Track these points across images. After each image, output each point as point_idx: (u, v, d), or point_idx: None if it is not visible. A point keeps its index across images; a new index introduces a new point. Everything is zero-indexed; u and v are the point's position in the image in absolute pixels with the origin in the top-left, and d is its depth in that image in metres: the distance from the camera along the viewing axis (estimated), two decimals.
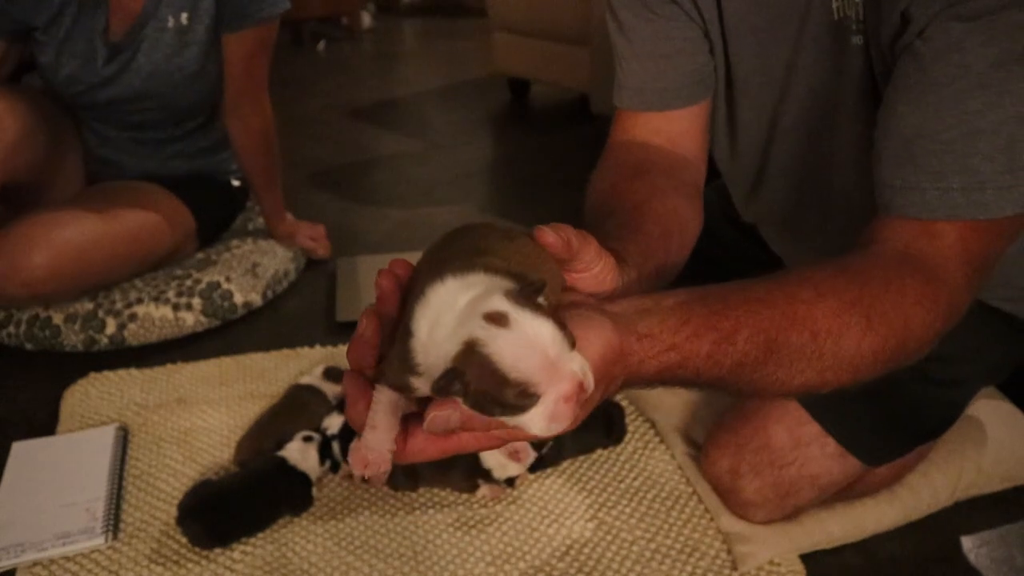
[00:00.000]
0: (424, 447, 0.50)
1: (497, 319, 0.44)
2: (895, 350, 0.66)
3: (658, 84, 0.92)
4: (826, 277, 0.66)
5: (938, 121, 0.68)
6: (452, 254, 0.50)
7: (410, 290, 0.50)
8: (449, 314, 0.45)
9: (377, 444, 0.49)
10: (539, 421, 0.45)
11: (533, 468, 1.09)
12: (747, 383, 0.61)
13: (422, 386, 0.47)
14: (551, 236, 0.53)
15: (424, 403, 0.48)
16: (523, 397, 0.44)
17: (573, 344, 0.46)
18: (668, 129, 0.93)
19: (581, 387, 0.45)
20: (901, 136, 0.71)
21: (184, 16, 1.55)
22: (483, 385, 0.44)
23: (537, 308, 0.46)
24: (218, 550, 1.03)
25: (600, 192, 0.85)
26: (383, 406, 0.49)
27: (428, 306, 0.46)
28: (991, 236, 0.69)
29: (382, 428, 0.49)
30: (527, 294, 0.47)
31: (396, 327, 0.49)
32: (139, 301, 1.54)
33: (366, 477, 0.49)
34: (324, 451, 1.13)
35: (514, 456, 1.09)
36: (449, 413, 0.46)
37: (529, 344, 0.44)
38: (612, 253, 0.61)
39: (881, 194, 0.73)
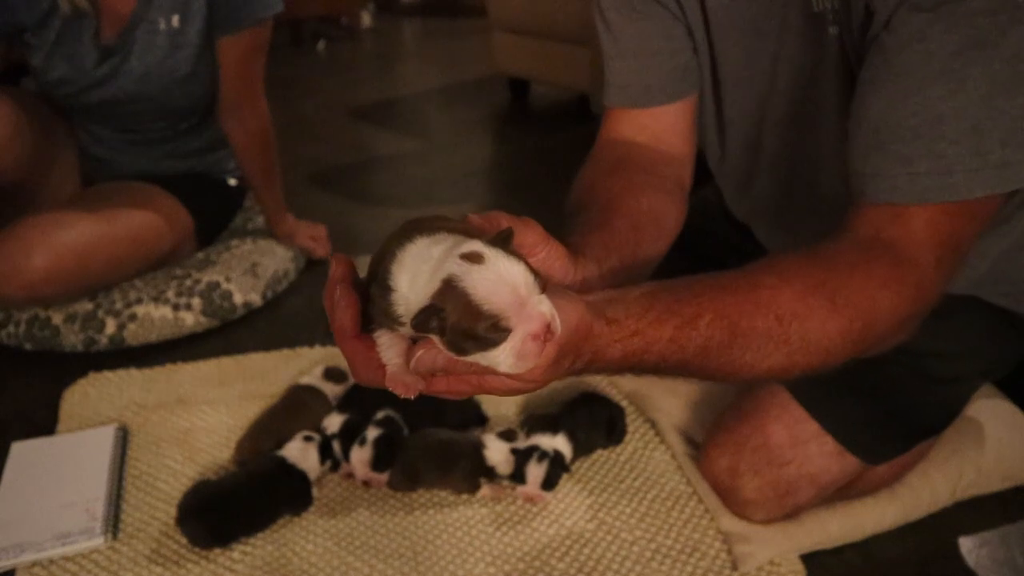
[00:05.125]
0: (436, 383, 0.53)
1: (473, 257, 0.48)
2: (862, 332, 0.67)
3: (643, 81, 0.94)
4: (792, 264, 0.68)
5: (904, 109, 0.69)
6: (404, 233, 0.53)
7: (377, 268, 0.53)
8: (426, 264, 0.49)
9: (405, 369, 0.52)
10: (508, 357, 0.48)
11: (550, 485, 1.09)
12: (715, 367, 0.64)
13: (408, 333, 0.52)
14: (478, 220, 0.56)
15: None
16: (494, 331, 0.47)
17: (544, 288, 0.49)
18: (653, 126, 0.95)
19: (548, 328, 0.48)
20: (870, 125, 0.73)
21: (175, 19, 1.55)
22: (458, 318, 0.47)
23: (510, 252, 0.49)
24: (218, 550, 1.03)
25: (579, 190, 0.88)
26: (389, 344, 0.53)
27: (403, 264, 0.50)
28: (961, 219, 0.70)
29: (403, 359, 0.52)
30: (499, 240, 0.50)
31: (366, 286, 0.54)
32: (139, 301, 1.54)
33: (412, 397, 0.52)
34: (325, 451, 1.13)
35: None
36: (435, 353, 0.50)
37: (501, 279, 0.47)
38: (571, 246, 0.64)
39: (854, 182, 0.75)
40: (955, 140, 0.68)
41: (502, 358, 0.48)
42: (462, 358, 0.49)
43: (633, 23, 0.93)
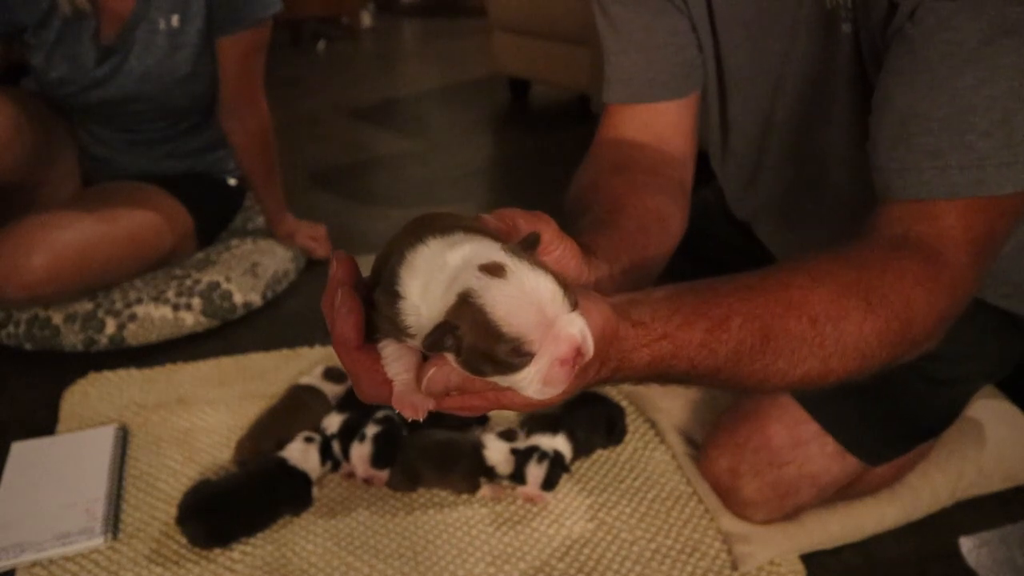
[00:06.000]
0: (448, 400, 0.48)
1: (493, 270, 0.42)
2: (899, 333, 0.64)
3: (646, 76, 0.92)
4: (821, 263, 0.65)
5: (932, 100, 0.67)
6: (415, 232, 0.47)
7: (382, 269, 0.48)
8: (441, 272, 0.43)
9: (414, 387, 0.47)
10: (533, 383, 0.43)
11: (550, 485, 1.09)
12: (747, 375, 0.60)
13: (418, 345, 0.46)
14: (492, 220, 0.51)
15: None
16: (516, 355, 0.42)
17: (575, 305, 0.44)
18: (655, 124, 0.92)
19: (579, 351, 0.43)
20: (895, 119, 0.70)
21: (175, 19, 1.55)
22: (475, 339, 0.42)
23: (536, 263, 0.44)
24: (218, 550, 1.03)
25: (580, 189, 0.85)
26: (396, 356, 0.47)
27: (414, 268, 0.44)
28: (993, 215, 0.68)
29: (411, 374, 0.47)
30: (524, 247, 0.45)
31: (369, 291, 0.48)
32: (139, 301, 1.54)
33: (420, 419, 0.47)
34: (325, 451, 1.13)
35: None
36: (449, 371, 0.45)
37: (525, 297, 0.42)
38: (582, 246, 0.60)
39: (878, 179, 0.72)
40: (986, 132, 0.65)
41: (525, 383, 0.43)
42: (479, 377, 0.44)
43: (637, 16, 0.91)
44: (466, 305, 0.42)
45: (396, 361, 0.47)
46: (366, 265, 0.52)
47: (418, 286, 0.44)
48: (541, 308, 0.42)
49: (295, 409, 1.23)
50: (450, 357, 0.44)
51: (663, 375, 0.56)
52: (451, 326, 0.42)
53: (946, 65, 0.66)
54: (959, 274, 0.67)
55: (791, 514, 1.03)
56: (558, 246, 0.56)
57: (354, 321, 0.47)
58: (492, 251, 0.43)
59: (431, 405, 0.47)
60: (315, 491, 1.10)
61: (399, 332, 0.45)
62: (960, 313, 0.69)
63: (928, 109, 0.67)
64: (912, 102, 0.68)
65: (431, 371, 0.45)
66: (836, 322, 0.61)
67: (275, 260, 1.74)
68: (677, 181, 0.91)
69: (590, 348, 0.44)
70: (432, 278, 0.44)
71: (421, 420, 0.47)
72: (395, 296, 0.45)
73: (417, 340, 0.45)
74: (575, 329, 0.43)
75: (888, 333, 0.63)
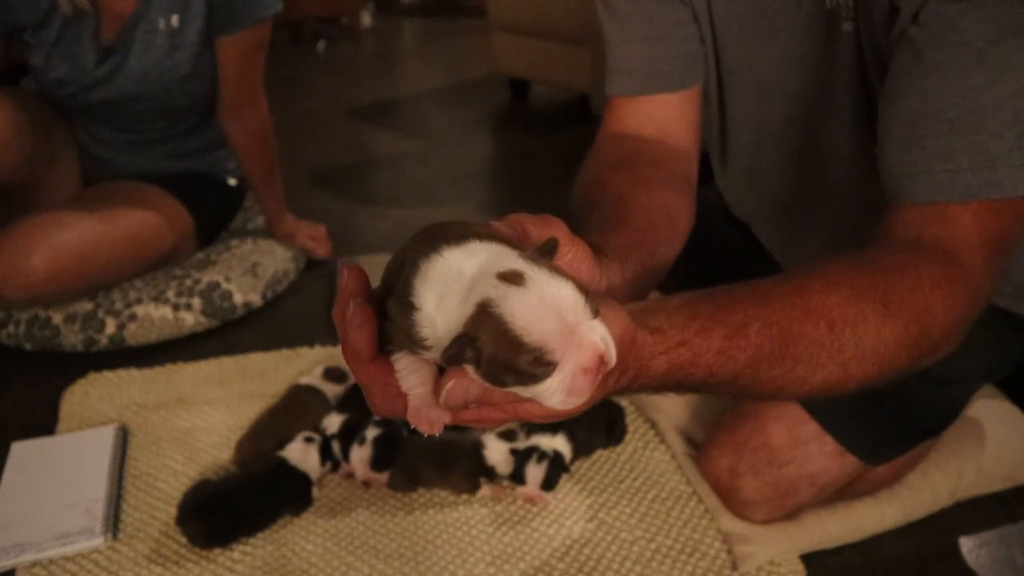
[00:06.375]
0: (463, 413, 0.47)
1: (512, 278, 0.41)
2: (918, 337, 0.63)
3: (650, 67, 0.91)
4: (836, 268, 0.64)
5: (941, 102, 0.67)
6: (428, 241, 0.46)
7: (393, 279, 0.47)
8: (458, 282, 0.42)
9: (429, 400, 0.46)
10: (556, 393, 0.42)
11: (550, 485, 1.09)
12: (766, 381, 0.59)
13: (433, 358, 0.45)
14: (502, 227, 0.50)
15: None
16: (538, 365, 0.41)
17: (596, 312, 0.43)
18: (659, 116, 0.92)
19: (602, 359, 0.42)
20: (905, 122, 0.69)
21: (175, 19, 1.55)
22: (495, 350, 0.41)
23: (556, 269, 0.43)
24: (218, 550, 1.03)
25: (585, 186, 0.84)
26: (411, 369, 0.46)
27: (429, 279, 0.43)
28: (1007, 216, 0.67)
29: (427, 387, 0.46)
30: (542, 254, 0.44)
31: (379, 302, 0.47)
32: (139, 301, 1.54)
33: (436, 433, 0.46)
34: (325, 451, 1.13)
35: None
36: (468, 383, 0.44)
37: (546, 305, 0.41)
38: (592, 246, 0.59)
39: (889, 183, 0.71)
40: (998, 132, 0.65)
41: (548, 394, 0.42)
42: (500, 388, 0.43)
43: (640, 7, 0.90)
44: (485, 315, 0.41)
45: (411, 374, 0.46)
46: (367, 265, 0.51)
47: (433, 297, 0.43)
48: (562, 316, 0.41)
49: (295, 409, 1.23)
50: (470, 369, 0.43)
51: (680, 383, 0.55)
52: (470, 338, 0.41)
53: (954, 67, 0.66)
54: (975, 276, 0.67)
55: (791, 514, 1.03)
56: (570, 249, 0.55)
57: (367, 333, 0.46)
58: (509, 258, 0.42)
59: (448, 419, 0.46)
60: (315, 491, 1.10)
61: (414, 344, 0.44)
62: (977, 315, 0.69)
63: (937, 111, 0.67)
64: (921, 104, 0.68)
65: (449, 384, 0.44)
66: (854, 326, 0.60)
67: (275, 260, 1.74)
68: (682, 175, 0.89)
69: (613, 356, 0.43)
70: (448, 288, 0.43)
71: (437, 435, 0.46)
72: (410, 307, 0.43)
73: (433, 352, 0.44)
74: (597, 336, 0.42)
75: (907, 336, 0.63)
